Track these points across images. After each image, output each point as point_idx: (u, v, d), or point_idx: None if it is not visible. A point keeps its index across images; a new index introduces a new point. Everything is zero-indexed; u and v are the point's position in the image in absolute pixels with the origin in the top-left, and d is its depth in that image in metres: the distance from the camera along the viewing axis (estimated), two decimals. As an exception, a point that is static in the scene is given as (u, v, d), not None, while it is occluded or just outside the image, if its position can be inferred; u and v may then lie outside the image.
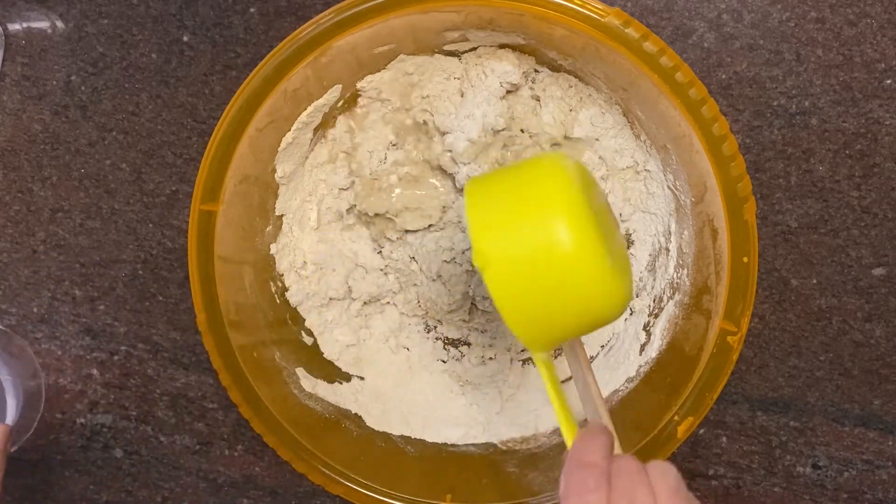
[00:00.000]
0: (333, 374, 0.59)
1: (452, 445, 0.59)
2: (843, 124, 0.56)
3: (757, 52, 0.55)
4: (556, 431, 0.58)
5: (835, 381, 0.59)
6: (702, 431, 0.60)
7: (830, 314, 0.58)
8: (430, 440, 0.59)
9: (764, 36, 0.55)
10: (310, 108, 0.53)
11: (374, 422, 0.58)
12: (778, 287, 0.58)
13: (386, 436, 0.58)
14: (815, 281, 0.58)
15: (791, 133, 0.56)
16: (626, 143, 0.56)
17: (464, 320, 0.61)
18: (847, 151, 0.56)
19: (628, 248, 0.59)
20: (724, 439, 0.60)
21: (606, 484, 0.34)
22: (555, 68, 0.55)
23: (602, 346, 0.59)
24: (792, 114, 0.56)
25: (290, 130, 0.53)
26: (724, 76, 0.56)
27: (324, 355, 0.60)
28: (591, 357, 0.60)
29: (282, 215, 0.57)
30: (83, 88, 0.60)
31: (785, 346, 0.59)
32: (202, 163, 0.48)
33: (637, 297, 0.59)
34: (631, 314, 0.59)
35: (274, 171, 0.54)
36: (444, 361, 0.62)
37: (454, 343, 0.62)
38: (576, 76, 0.55)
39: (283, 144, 0.53)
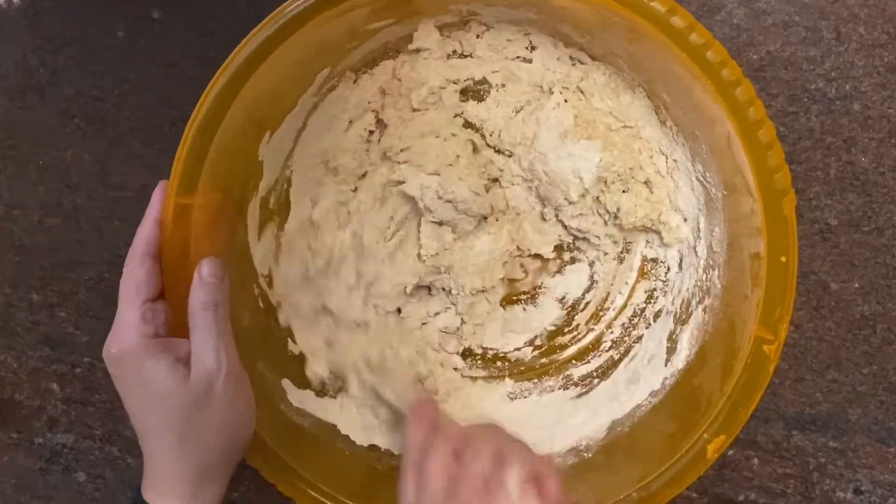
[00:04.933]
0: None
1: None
2: (889, 110, 0.55)
3: (792, 30, 0.55)
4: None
5: (878, 396, 0.58)
6: (731, 452, 0.59)
7: (874, 322, 0.57)
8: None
9: (800, 12, 0.55)
10: (296, 94, 0.52)
11: (361, 438, 0.57)
12: (816, 292, 0.57)
13: (376, 449, 0.57)
14: (856, 285, 0.57)
15: (830, 120, 0.56)
16: (652, 132, 0.55)
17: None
18: (893, 140, 0.56)
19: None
20: (756, 461, 0.59)
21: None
22: (569, 44, 0.54)
23: (623, 356, 0.58)
24: (831, 99, 0.55)
25: (274, 118, 0.52)
26: (755, 56, 0.55)
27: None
28: (612, 364, 0.58)
29: (265, 210, 0.56)
30: (41, 70, 0.59)
31: (823, 357, 0.58)
32: (178, 152, 0.47)
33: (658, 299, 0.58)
34: (655, 320, 0.58)
35: (257, 161, 0.53)
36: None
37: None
38: (591, 55, 0.55)
39: (266, 133, 0.52)
